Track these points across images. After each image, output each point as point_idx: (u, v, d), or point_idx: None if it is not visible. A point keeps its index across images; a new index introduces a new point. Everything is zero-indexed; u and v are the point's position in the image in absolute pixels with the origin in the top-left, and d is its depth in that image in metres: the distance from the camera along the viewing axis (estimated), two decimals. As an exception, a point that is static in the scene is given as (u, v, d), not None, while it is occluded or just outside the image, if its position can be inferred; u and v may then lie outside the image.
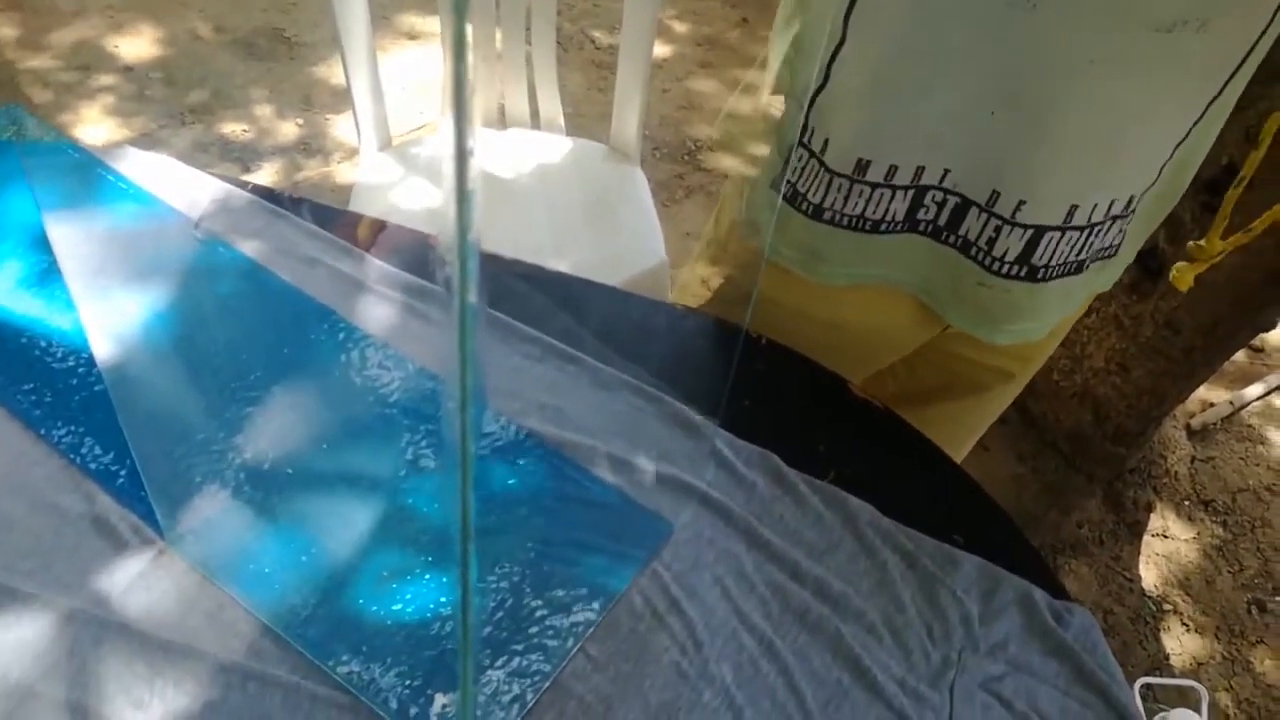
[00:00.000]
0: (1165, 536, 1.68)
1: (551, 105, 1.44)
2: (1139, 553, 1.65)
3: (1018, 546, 0.71)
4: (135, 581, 0.59)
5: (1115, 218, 0.68)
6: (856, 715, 0.60)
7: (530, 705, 0.57)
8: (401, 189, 1.40)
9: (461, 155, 0.28)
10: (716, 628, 0.63)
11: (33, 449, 0.65)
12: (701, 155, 2.20)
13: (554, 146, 1.45)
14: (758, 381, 0.77)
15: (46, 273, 0.75)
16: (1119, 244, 0.72)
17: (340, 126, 2.13)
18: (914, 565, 0.67)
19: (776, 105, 0.75)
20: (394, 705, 0.56)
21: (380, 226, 0.85)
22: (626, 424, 0.73)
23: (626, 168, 1.43)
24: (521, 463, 0.69)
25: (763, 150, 0.80)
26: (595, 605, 0.62)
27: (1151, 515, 1.70)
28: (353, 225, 0.84)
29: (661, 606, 0.63)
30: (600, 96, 2.27)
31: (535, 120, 1.46)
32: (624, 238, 1.34)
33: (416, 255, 0.83)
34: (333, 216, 0.85)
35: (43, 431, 0.66)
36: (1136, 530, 1.67)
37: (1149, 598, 1.59)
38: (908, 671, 0.62)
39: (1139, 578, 1.61)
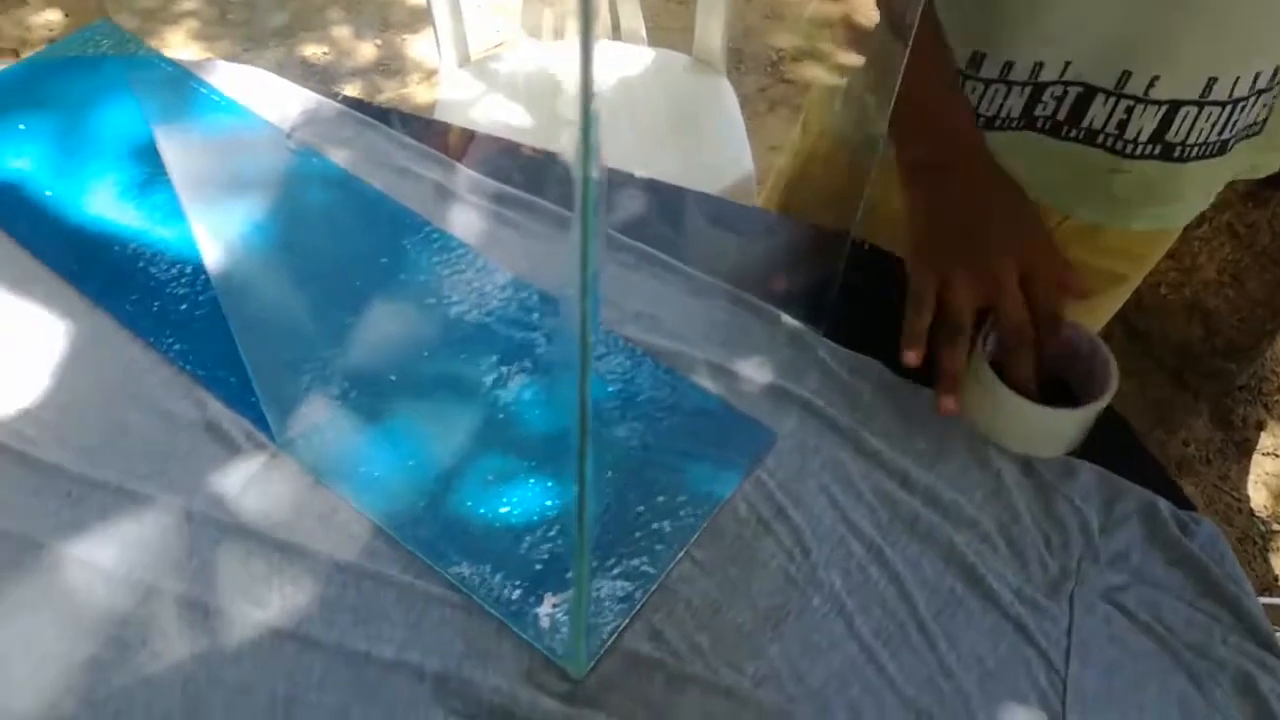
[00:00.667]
0: (1276, 455, 1.62)
1: (632, 15, 1.40)
2: (1247, 472, 1.59)
3: (1138, 456, 0.68)
4: (249, 485, 0.60)
5: (1260, 91, 0.63)
6: (971, 623, 0.58)
7: (638, 606, 0.57)
8: (483, 104, 1.38)
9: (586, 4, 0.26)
10: (824, 535, 0.61)
11: (143, 357, 0.66)
12: (785, 66, 2.13)
13: (637, 58, 1.41)
14: (860, 288, 0.74)
15: (148, 183, 0.75)
16: (1265, 119, 0.67)
17: (417, 47, 2.12)
18: (1030, 474, 0.65)
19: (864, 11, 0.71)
20: (505, 605, 0.56)
21: (470, 136, 0.84)
22: (725, 332, 0.72)
23: (712, 78, 1.39)
24: (621, 370, 0.68)
25: (850, 57, 0.76)
26: (699, 511, 0.62)
27: (1261, 433, 1.63)
28: (442, 135, 0.83)
29: (767, 513, 0.62)
30: (680, 9, 2.20)
31: (616, 32, 1.43)
32: (710, 150, 1.31)
33: (506, 164, 0.81)
34: (422, 127, 0.84)
35: (151, 340, 0.66)
36: (1245, 449, 1.61)
37: (1258, 518, 1.53)
38: (1024, 581, 0.60)
39: (1247, 497, 1.55)
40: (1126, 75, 0.62)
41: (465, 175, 0.80)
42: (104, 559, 0.57)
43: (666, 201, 0.80)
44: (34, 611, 0.55)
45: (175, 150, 0.75)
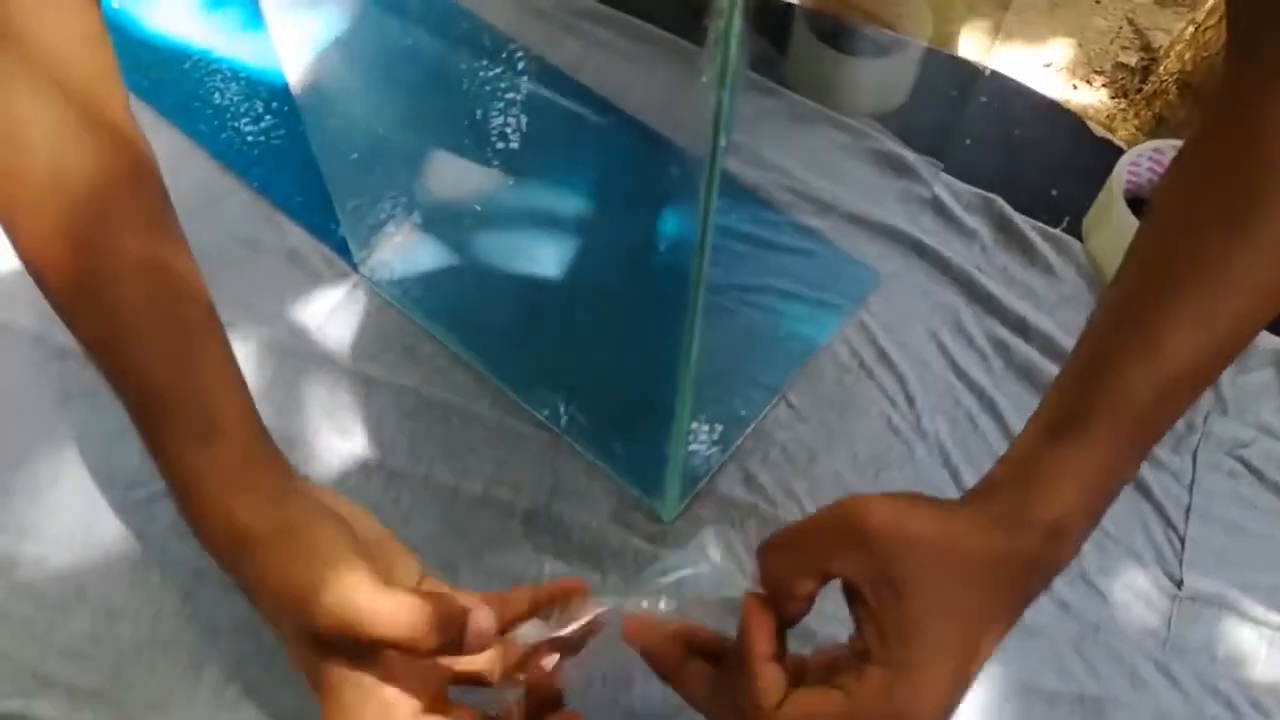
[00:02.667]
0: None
1: None
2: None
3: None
4: (332, 313, 0.58)
5: None
6: (1085, 478, 0.55)
7: (733, 449, 0.55)
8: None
9: None
10: (930, 383, 0.58)
11: (219, 179, 0.64)
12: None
13: None
14: (981, 116, 0.68)
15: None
16: None
17: None
18: (1158, 322, 0.60)
19: None
20: (596, 445, 0.54)
21: (555, -56, 0.77)
22: (829, 163, 0.66)
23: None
24: (716, 204, 0.64)
25: None
26: (796, 354, 0.58)
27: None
28: (525, -57, 0.77)
29: (869, 358, 0.59)
30: None
31: None
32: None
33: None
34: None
35: (227, 162, 0.64)
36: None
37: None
38: (1145, 435, 0.56)
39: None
40: None
41: (550, -12, 0.74)
42: (189, 386, 0.56)
43: (766, 15, 0.73)
44: (110, 437, 0.54)
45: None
